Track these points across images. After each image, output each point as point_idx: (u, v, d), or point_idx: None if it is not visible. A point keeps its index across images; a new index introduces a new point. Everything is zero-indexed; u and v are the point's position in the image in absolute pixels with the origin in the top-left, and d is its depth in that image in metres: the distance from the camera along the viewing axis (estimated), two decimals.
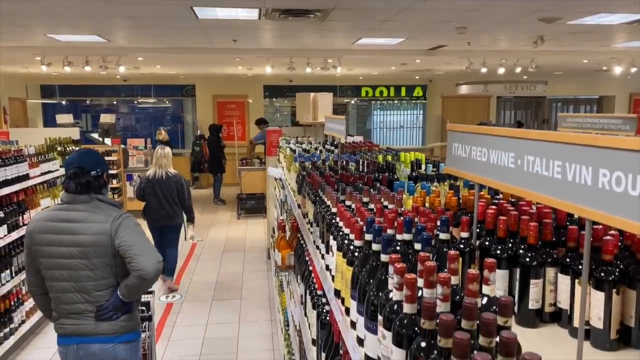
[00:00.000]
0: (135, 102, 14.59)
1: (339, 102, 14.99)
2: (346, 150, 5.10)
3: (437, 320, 1.03)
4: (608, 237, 1.49)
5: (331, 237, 2.10)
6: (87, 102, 14.56)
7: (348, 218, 1.88)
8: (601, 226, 1.70)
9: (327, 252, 2.21)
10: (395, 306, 1.21)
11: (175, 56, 9.06)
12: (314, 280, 2.58)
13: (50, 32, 6.67)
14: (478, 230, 1.97)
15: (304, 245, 3.20)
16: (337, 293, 1.90)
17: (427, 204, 2.37)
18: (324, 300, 2.28)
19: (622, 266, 1.50)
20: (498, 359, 0.89)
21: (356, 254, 1.73)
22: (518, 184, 1.62)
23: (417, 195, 2.58)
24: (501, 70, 9.19)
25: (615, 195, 1.16)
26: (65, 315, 2.53)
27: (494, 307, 1.17)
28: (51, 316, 2.63)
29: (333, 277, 2.06)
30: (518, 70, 9.35)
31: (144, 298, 3.24)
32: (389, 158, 4.02)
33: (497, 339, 0.93)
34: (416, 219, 1.89)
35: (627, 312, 1.49)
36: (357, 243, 1.73)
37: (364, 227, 1.73)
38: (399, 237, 1.71)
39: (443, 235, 1.67)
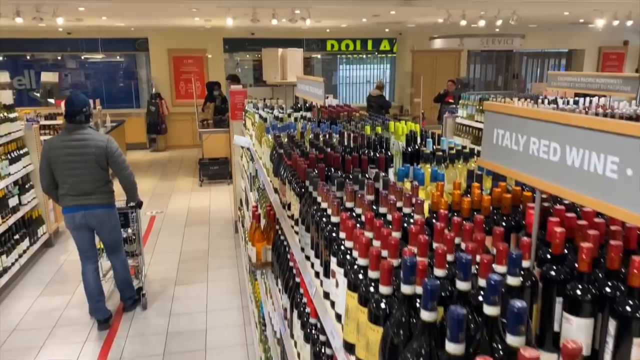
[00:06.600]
0: (82, 57, 13.31)
1: (303, 56, 14.15)
2: (323, 116, 4.50)
3: None
4: None
5: (333, 258, 1.55)
6: (28, 57, 13.18)
7: (364, 244, 1.32)
8: None
9: (327, 276, 1.66)
10: None
11: (121, 5, 8.04)
12: (304, 299, 2.05)
13: None
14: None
15: (285, 243, 2.64)
16: (349, 347, 1.37)
17: (443, 199, 1.83)
18: (322, 337, 1.75)
19: None
20: None
21: (382, 305, 1.18)
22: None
23: (432, 189, 2.05)
24: (482, 23, 8.62)
25: None
26: (77, 195, 4.04)
27: None
28: (58, 200, 4.15)
29: (338, 315, 1.53)
30: (499, 22, 8.77)
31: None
32: (379, 130, 3.46)
33: None
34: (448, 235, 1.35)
35: None
36: (385, 290, 1.18)
37: (397, 268, 1.18)
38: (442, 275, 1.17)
39: (512, 281, 1.14)
